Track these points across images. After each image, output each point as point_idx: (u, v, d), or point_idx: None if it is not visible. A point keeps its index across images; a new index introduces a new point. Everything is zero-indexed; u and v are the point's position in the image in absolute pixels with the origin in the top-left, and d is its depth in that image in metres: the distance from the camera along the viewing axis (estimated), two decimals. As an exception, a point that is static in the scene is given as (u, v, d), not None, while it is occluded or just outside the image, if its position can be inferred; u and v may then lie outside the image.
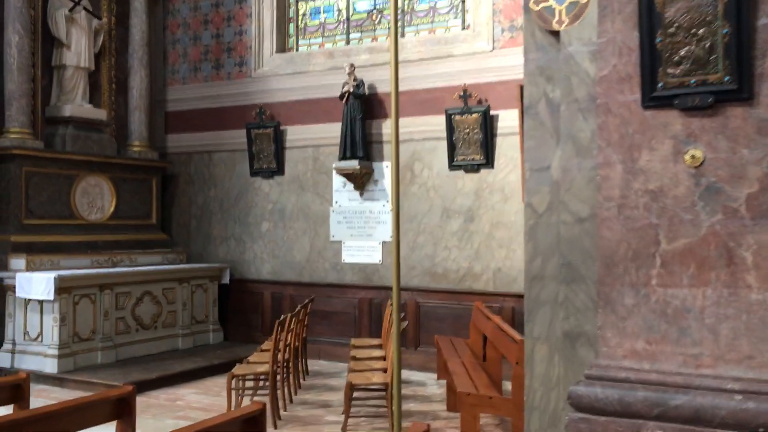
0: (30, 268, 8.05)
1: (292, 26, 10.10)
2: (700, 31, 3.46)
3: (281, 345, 6.52)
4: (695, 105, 3.46)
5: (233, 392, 6.25)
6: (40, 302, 7.84)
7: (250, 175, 9.98)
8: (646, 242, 3.60)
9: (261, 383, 7.16)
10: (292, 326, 6.89)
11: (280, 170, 9.73)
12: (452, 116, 8.42)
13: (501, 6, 8.30)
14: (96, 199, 9.37)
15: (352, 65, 8.86)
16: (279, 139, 9.67)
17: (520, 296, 8.02)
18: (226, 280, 9.89)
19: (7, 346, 8.02)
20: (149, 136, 10.20)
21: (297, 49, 10.02)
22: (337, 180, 9.31)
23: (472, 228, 8.46)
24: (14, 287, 7.98)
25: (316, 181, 9.51)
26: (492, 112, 8.27)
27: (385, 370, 6.21)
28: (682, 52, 3.49)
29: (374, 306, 8.98)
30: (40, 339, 7.84)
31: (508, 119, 8.21)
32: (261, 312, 9.82)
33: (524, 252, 4.62)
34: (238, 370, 6.20)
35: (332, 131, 9.29)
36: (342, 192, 9.30)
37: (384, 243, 8.99)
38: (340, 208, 9.31)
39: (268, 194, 9.88)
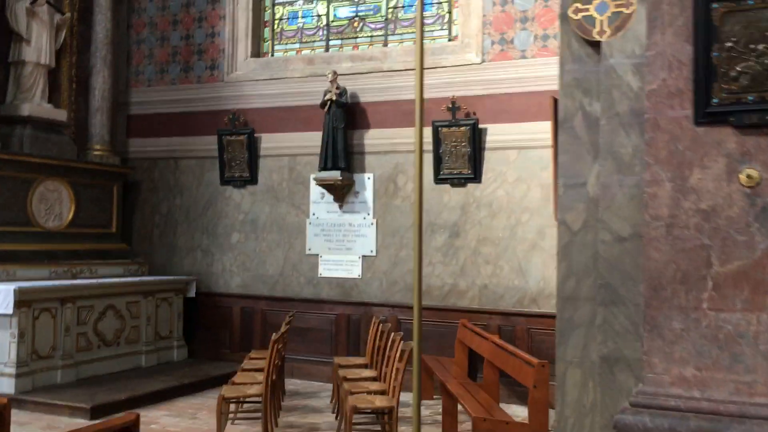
0: (-16, 279, 7.40)
1: (267, 30, 9.72)
2: (760, 46, 3.33)
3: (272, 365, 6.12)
4: (752, 123, 3.32)
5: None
6: (-4, 316, 7.19)
7: (221, 184, 9.51)
8: (697, 264, 3.42)
9: (241, 405, 6.74)
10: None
11: (253, 179, 9.30)
12: (439, 128, 8.20)
13: (491, 18, 8.15)
14: (54, 205, 8.74)
15: (334, 72, 8.55)
16: (253, 146, 9.25)
17: (508, 314, 7.89)
18: (192, 293, 9.38)
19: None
20: (111, 140, 9.62)
21: (272, 54, 9.64)
22: (315, 191, 8.95)
23: (457, 243, 8.23)
24: (-35, 299, 7.31)
25: (292, 192, 9.13)
26: (480, 126, 8.08)
27: (383, 392, 5.89)
28: (739, 68, 3.34)
29: (353, 322, 8.64)
30: (-6, 357, 7.18)
31: (496, 133, 8.05)
32: (230, 327, 9.34)
33: (557, 272, 4.41)
34: (228, 392, 5.75)
35: (311, 140, 8.95)
36: (320, 204, 8.94)
37: (364, 257, 8.67)
38: (317, 220, 8.94)
39: (239, 204, 9.43)
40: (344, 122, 8.56)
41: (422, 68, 4.43)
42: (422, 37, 4.43)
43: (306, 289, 8.98)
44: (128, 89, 10.14)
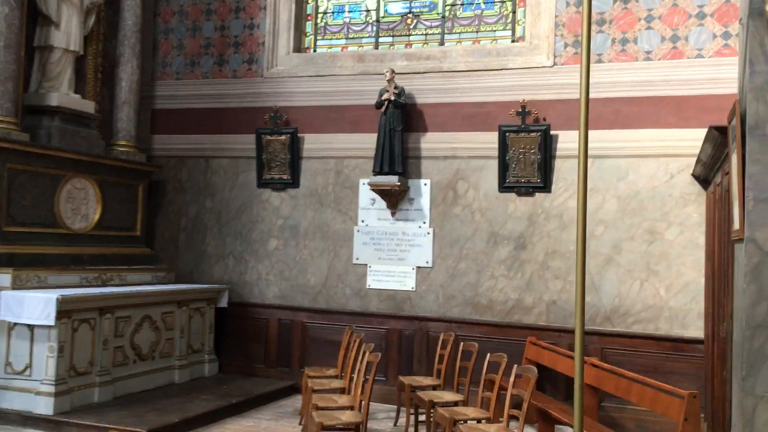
0: (16, 285, 6.63)
1: (309, 24, 9.13)
2: None
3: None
4: None
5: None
6: (30, 327, 6.44)
7: (257, 186, 8.87)
8: None
9: None
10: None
11: (294, 182, 8.68)
12: (507, 134, 7.73)
13: (564, 19, 7.72)
14: (81, 205, 7.98)
15: (392, 71, 8.00)
16: (295, 147, 8.64)
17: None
18: (224, 303, 8.70)
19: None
20: (136, 136, 8.90)
21: (315, 50, 9.05)
22: (365, 196, 8.38)
23: (523, 256, 7.76)
24: (-6, 308, 6.54)
25: (338, 197, 8.54)
26: (551, 132, 7.63)
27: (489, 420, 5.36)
28: None
29: (405, 338, 8.09)
30: (28, 372, 6.43)
31: (568, 140, 7.62)
32: (264, 341, 8.69)
33: (744, 295, 3.96)
34: (324, 419, 5.12)
35: (360, 142, 8.40)
36: (370, 210, 8.38)
37: (419, 268, 8.13)
38: (366, 227, 8.37)
39: (278, 208, 8.80)
40: (402, 124, 8.03)
41: (588, 66, 3.90)
42: (588, 37, 3.89)
43: (352, 301, 8.40)
44: (153, 82, 9.42)
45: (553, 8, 7.75)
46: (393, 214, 8.26)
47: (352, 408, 5.61)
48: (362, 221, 8.40)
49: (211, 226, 9.10)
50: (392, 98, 7.95)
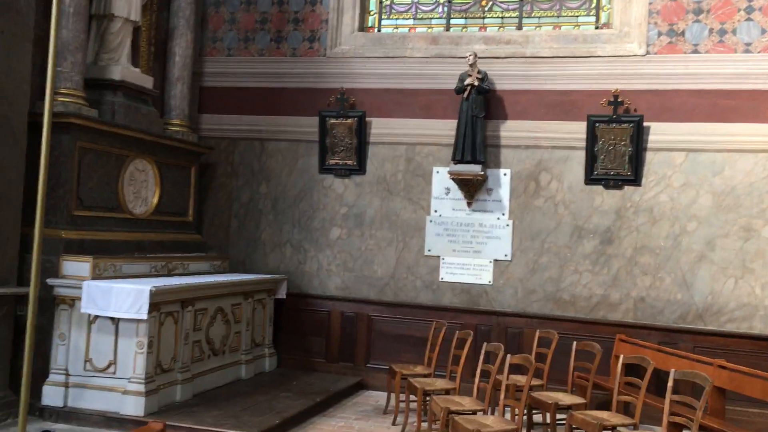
0: (95, 275, 6.07)
1: (372, 2, 8.68)
2: None
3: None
4: None
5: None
6: (114, 321, 5.91)
7: (319, 172, 8.41)
8: None
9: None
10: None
11: (361, 168, 8.26)
12: (596, 124, 7.46)
13: (659, 7, 7.47)
14: (141, 188, 7.42)
15: (475, 55, 7.64)
16: (362, 132, 8.21)
17: (669, 330, 7.24)
18: (283, 294, 8.24)
19: (56, 377, 5.98)
20: (189, 115, 8.34)
21: (379, 29, 8.61)
22: (439, 186, 8.02)
23: (609, 251, 7.52)
24: (71, 299, 5.99)
25: (408, 185, 8.15)
26: (644, 124, 7.40)
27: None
28: None
29: (481, 333, 7.76)
30: (112, 369, 5.90)
31: (660, 132, 7.40)
32: (326, 334, 8.27)
33: None
34: (475, 425, 4.76)
35: (433, 128, 8.05)
36: (444, 200, 8.02)
37: (496, 262, 7.82)
38: (440, 218, 8.01)
39: (341, 195, 8.36)
40: (484, 111, 7.68)
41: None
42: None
43: (423, 294, 8.04)
44: (201, 57, 8.84)
45: (647, -5, 7.49)
46: (469, 204, 7.93)
47: (478, 412, 5.26)
48: (435, 211, 8.04)
49: (266, 212, 8.61)
50: (475, 83, 7.59)
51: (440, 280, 7.99)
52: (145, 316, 5.70)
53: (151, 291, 5.71)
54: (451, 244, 7.96)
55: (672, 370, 4.88)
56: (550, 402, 5.64)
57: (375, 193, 8.25)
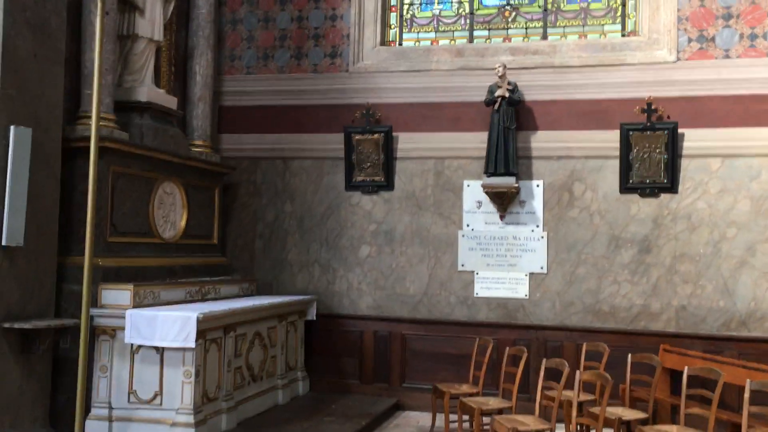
0: (135, 303, 5.87)
1: (393, 16, 8.58)
2: None
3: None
4: None
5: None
6: (159, 350, 5.71)
7: (346, 189, 8.27)
8: None
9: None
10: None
11: (389, 184, 8.13)
12: (630, 132, 7.40)
13: (687, 13, 7.44)
14: (170, 211, 7.24)
15: (504, 66, 7.56)
16: (389, 147, 8.08)
17: (714, 338, 7.15)
18: (313, 315, 8.06)
19: (99, 411, 5.76)
20: (211, 135, 8.18)
21: (400, 43, 8.51)
22: (470, 199, 7.91)
23: (648, 260, 7.43)
24: (112, 330, 5.78)
25: (438, 200, 8.03)
26: (678, 130, 7.34)
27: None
28: None
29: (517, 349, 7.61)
30: (158, 401, 5.70)
31: (695, 139, 7.35)
32: (359, 355, 8.10)
33: None
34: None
35: (462, 141, 7.95)
36: (476, 214, 7.90)
37: (532, 275, 7.71)
38: (472, 232, 7.89)
39: (370, 212, 8.22)
40: (515, 122, 7.59)
41: None
42: None
43: (458, 311, 7.90)
44: (220, 76, 8.68)
45: (675, 1, 7.45)
46: (502, 217, 7.82)
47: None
48: (467, 225, 7.92)
49: (292, 232, 8.44)
50: (506, 95, 7.50)
51: (475, 295, 7.86)
52: (193, 345, 5.51)
53: (198, 318, 5.52)
54: (485, 258, 7.84)
55: (748, 381, 4.78)
56: (614, 418, 5.50)
57: (404, 209, 8.11)
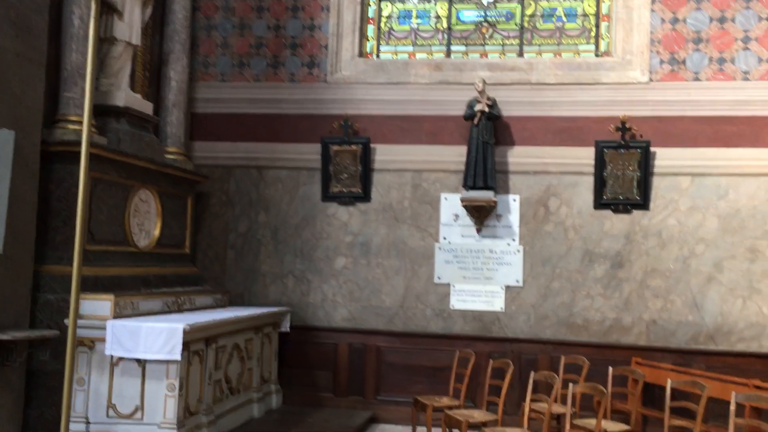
0: (115, 314, 5.68)
1: (371, 28, 8.60)
2: None
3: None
4: None
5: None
6: (141, 363, 5.54)
7: (322, 200, 8.21)
8: None
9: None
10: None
11: (366, 196, 8.11)
12: (605, 149, 7.58)
13: (660, 35, 7.68)
14: (145, 219, 7.05)
15: (484, 81, 7.66)
16: (368, 159, 8.08)
17: (683, 351, 7.36)
18: (287, 327, 7.96)
19: (76, 426, 5.52)
20: (185, 142, 8.03)
21: (378, 56, 8.53)
22: (447, 212, 7.96)
23: (621, 275, 7.60)
24: (90, 341, 5.58)
25: (416, 212, 8.05)
26: (650, 149, 7.56)
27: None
28: None
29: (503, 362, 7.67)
30: (139, 415, 5.52)
31: (666, 158, 7.58)
32: (333, 368, 8.02)
33: None
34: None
35: (439, 155, 8.01)
36: (452, 227, 7.95)
37: (508, 288, 7.79)
38: (449, 245, 7.94)
39: (346, 224, 8.18)
40: (494, 137, 7.69)
41: None
42: None
43: (434, 323, 7.92)
44: (193, 83, 8.53)
45: (648, 24, 7.69)
46: (479, 230, 7.89)
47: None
48: (444, 238, 7.96)
49: (265, 242, 8.32)
50: (486, 110, 7.59)
51: (451, 307, 7.90)
52: (179, 357, 5.36)
53: (185, 329, 5.38)
54: (462, 271, 7.89)
55: (733, 393, 4.92)
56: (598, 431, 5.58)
57: (381, 221, 8.10)
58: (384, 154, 8.12)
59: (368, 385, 7.93)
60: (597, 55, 8.09)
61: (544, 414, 5.20)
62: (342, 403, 7.93)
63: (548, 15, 8.27)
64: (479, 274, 7.85)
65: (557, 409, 5.97)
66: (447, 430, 6.06)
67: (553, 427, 6.10)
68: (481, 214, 7.77)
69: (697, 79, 7.59)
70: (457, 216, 7.92)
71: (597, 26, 8.14)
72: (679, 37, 7.65)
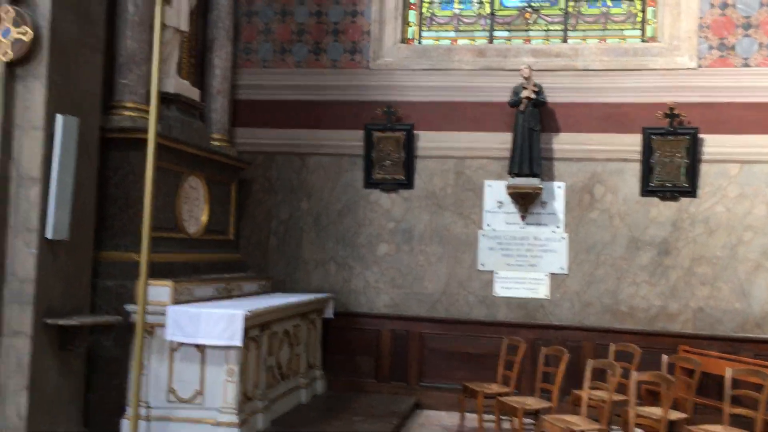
0: (174, 299, 5.73)
1: (412, 14, 8.56)
2: None
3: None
4: None
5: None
6: (200, 348, 5.58)
7: (364, 187, 8.21)
8: None
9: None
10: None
11: (409, 183, 8.11)
12: (652, 136, 7.53)
13: (709, 21, 7.60)
14: (194, 206, 7.09)
15: (529, 68, 7.61)
16: (410, 145, 8.06)
17: (731, 339, 7.33)
18: (330, 313, 7.99)
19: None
20: (230, 129, 8.05)
21: (419, 41, 8.49)
22: (490, 199, 7.94)
23: (667, 262, 7.58)
24: (150, 326, 5.62)
25: (459, 199, 8.04)
26: (699, 136, 7.50)
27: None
28: None
29: (538, 348, 7.68)
30: (199, 400, 5.57)
31: (715, 144, 7.52)
32: (375, 354, 8.06)
33: None
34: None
35: (483, 141, 7.97)
36: (496, 214, 7.94)
37: (553, 275, 7.78)
38: (493, 232, 7.93)
39: (389, 211, 8.18)
40: (540, 124, 7.65)
41: None
42: None
43: (477, 310, 7.93)
44: (235, 70, 8.51)
45: (697, 9, 7.61)
46: (523, 218, 7.87)
47: None
48: (488, 225, 7.95)
49: (307, 229, 8.34)
50: (532, 96, 7.55)
51: (494, 294, 7.90)
52: (239, 343, 5.40)
53: (245, 315, 5.41)
54: (505, 258, 7.88)
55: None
56: (656, 418, 5.59)
57: (424, 208, 8.10)
58: (427, 140, 8.10)
59: (411, 371, 7.96)
60: (643, 41, 8.02)
61: (604, 401, 5.20)
62: (384, 389, 7.97)
63: (593, 0, 8.19)
64: (523, 261, 7.85)
65: (600, 395, 5.97)
66: (500, 416, 6.08)
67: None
68: (526, 201, 7.75)
69: (746, 65, 7.51)
70: (501, 203, 7.90)
71: (643, 11, 8.06)
72: (728, 22, 7.57)
